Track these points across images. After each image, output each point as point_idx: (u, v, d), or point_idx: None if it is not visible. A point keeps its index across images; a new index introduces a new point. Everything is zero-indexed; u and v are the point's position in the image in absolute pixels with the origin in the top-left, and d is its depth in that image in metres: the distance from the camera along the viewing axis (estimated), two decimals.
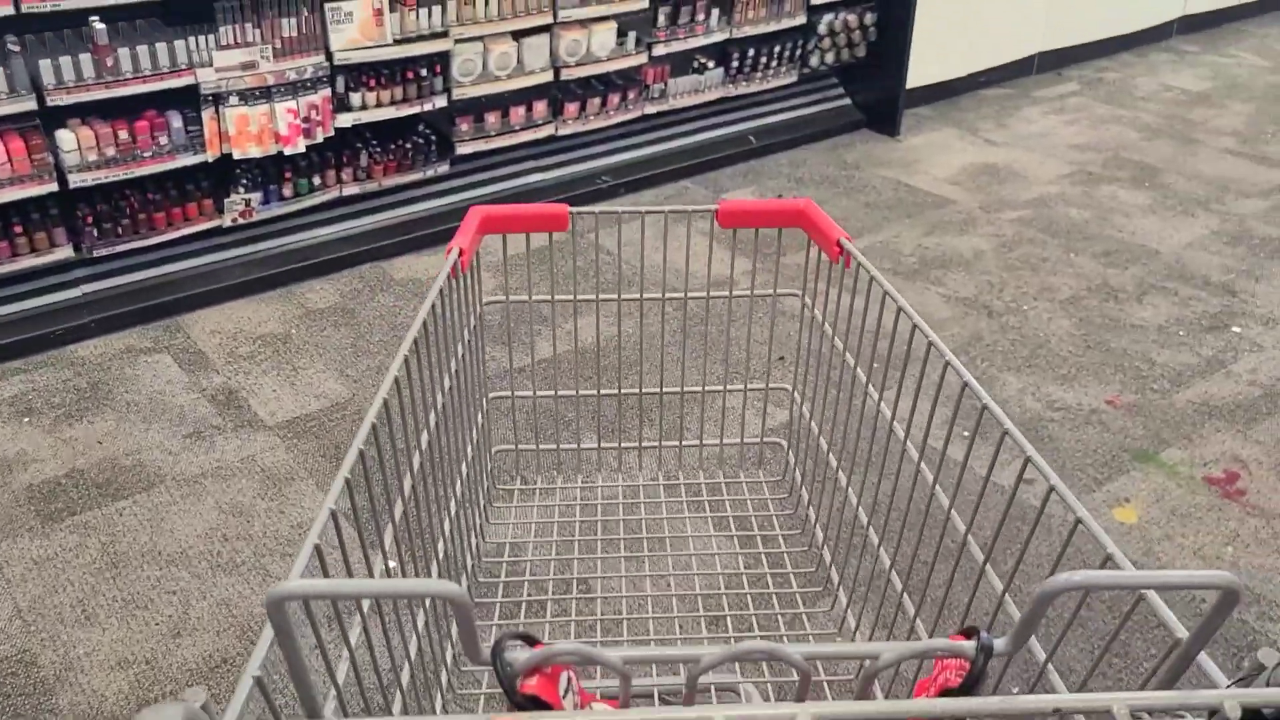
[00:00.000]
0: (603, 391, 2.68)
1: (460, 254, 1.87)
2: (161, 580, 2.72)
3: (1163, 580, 0.94)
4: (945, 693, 1.09)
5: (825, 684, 1.96)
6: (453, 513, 1.91)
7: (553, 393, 2.62)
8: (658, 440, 2.68)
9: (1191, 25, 6.94)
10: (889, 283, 1.92)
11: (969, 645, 1.03)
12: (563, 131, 4.58)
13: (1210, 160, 5.16)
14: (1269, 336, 3.73)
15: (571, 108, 4.56)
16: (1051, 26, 6.15)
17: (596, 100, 4.61)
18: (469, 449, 2.10)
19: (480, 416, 2.25)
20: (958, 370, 1.62)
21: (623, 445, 2.74)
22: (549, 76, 4.41)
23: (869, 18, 5.31)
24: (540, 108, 4.47)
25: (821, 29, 5.19)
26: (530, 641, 1.00)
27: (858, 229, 4.50)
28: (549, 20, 4.29)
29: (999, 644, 1.03)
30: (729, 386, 2.59)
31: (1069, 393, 3.45)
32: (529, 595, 2.23)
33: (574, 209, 2.08)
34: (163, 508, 2.97)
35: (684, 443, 2.62)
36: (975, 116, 5.71)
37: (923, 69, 5.50)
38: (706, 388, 2.65)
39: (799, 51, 5.20)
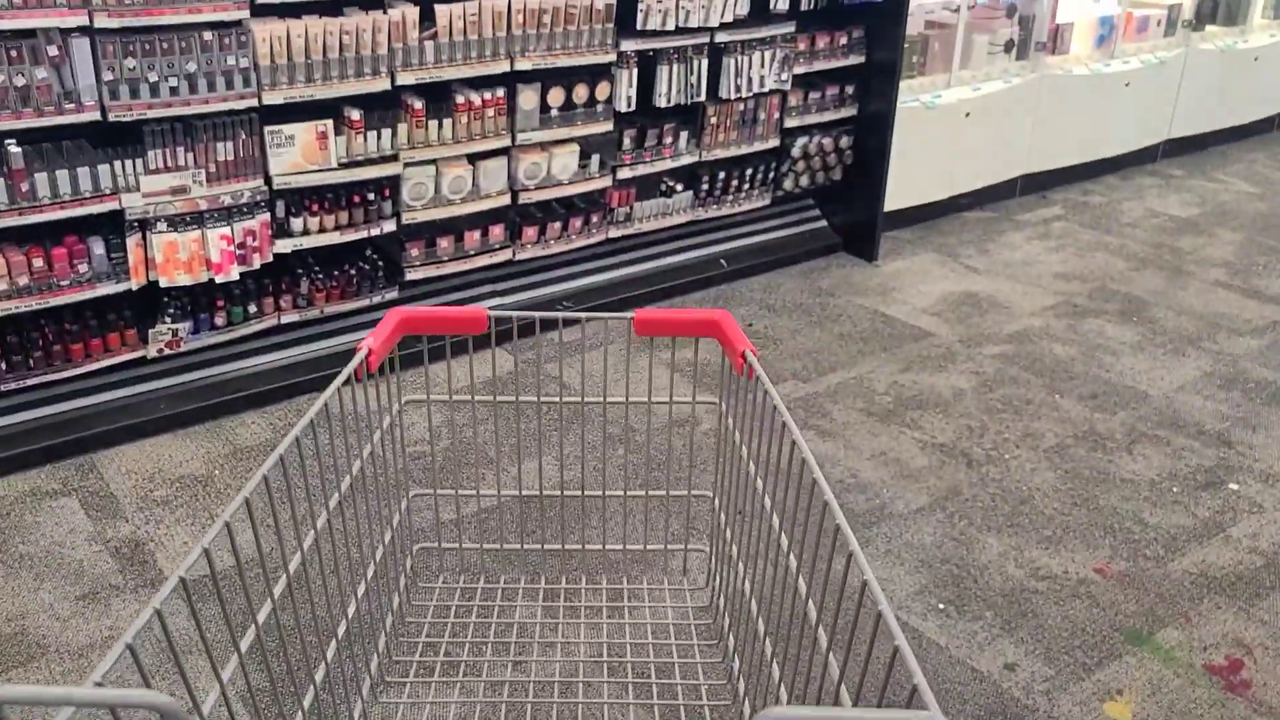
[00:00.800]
0: (525, 493, 2.61)
1: (370, 354, 1.91)
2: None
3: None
4: None
5: None
6: (357, 602, 1.90)
7: (474, 492, 2.53)
8: (580, 544, 2.52)
9: (1177, 149, 6.84)
10: (787, 411, 1.91)
11: None
12: (521, 256, 4.37)
13: (1200, 293, 4.95)
14: (1269, 496, 3.45)
15: (530, 231, 4.35)
16: (1035, 149, 6.02)
17: (557, 224, 4.41)
18: (379, 546, 2.06)
19: (397, 515, 2.20)
20: (834, 513, 1.64)
21: (545, 547, 2.61)
22: (506, 200, 4.21)
23: (845, 140, 5.16)
24: (497, 231, 4.26)
25: (795, 152, 5.03)
26: None
27: (831, 363, 4.26)
28: (507, 143, 4.10)
29: None
30: (651, 492, 2.58)
31: (1055, 559, 3.15)
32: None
33: (492, 312, 2.12)
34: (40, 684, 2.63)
35: (607, 546, 2.59)
36: (956, 241, 5.53)
37: (902, 191, 5.33)
38: (629, 493, 2.57)
39: (772, 174, 5.03)
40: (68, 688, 0.89)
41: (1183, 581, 3.07)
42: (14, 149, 3.21)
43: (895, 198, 5.27)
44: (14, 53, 3.11)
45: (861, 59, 5.01)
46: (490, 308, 4.29)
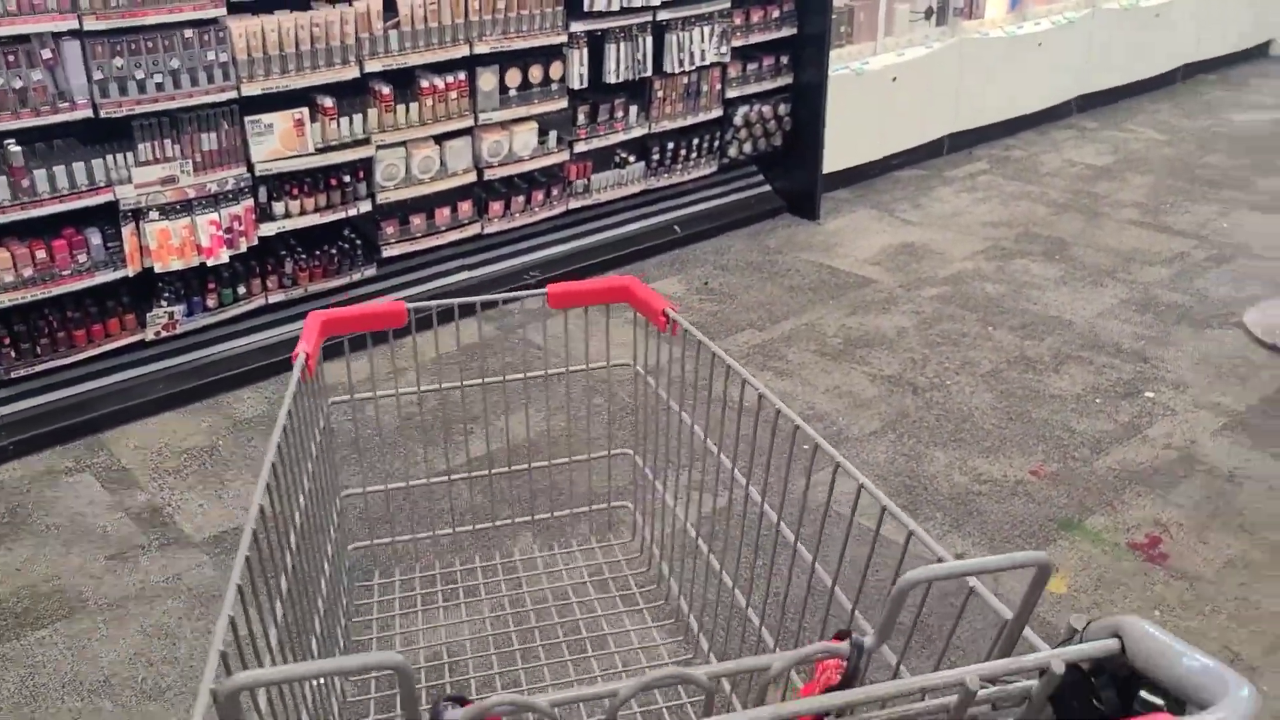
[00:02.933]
0: (453, 477, 2.72)
1: (307, 358, 1.96)
2: (83, 712, 2.63)
3: (983, 565, 1.12)
4: (829, 689, 1.23)
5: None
6: (321, 610, 1.94)
7: (405, 484, 2.63)
8: (510, 518, 2.70)
9: (1089, 103, 7.28)
10: (728, 354, 2.05)
11: (844, 645, 1.21)
12: (489, 230, 4.64)
13: (1115, 232, 5.37)
14: (1180, 400, 3.85)
15: (496, 206, 4.62)
16: (959, 110, 6.41)
17: (520, 198, 4.69)
18: (329, 547, 2.12)
19: (335, 514, 2.27)
20: (789, 416, 1.84)
21: (475, 527, 2.72)
22: (473, 177, 4.48)
23: (783, 108, 5.50)
24: (465, 207, 4.53)
25: (738, 120, 5.35)
26: (461, 701, 1.08)
27: (784, 312, 4.59)
28: (470, 123, 4.37)
29: (868, 641, 1.21)
30: (574, 458, 2.68)
31: (994, 465, 3.52)
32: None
33: (411, 305, 2.22)
34: (84, 635, 2.88)
35: (536, 516, 2.73)
36: (891, 198, 5.90)
37: (839, 154, 5.68)
38: (553, 461, 2.69)
39: (717, 143, 5.35)
40: (307, 663, 0.97)
41: (1107, 477, 3.45)
42: (14, 148, 3.42)
43: (833, 160, 5.61)
44: (11, 57, 3.32)
45: (794, 30, 5.35)
46: (463, 281, 4.58)
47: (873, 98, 5.80)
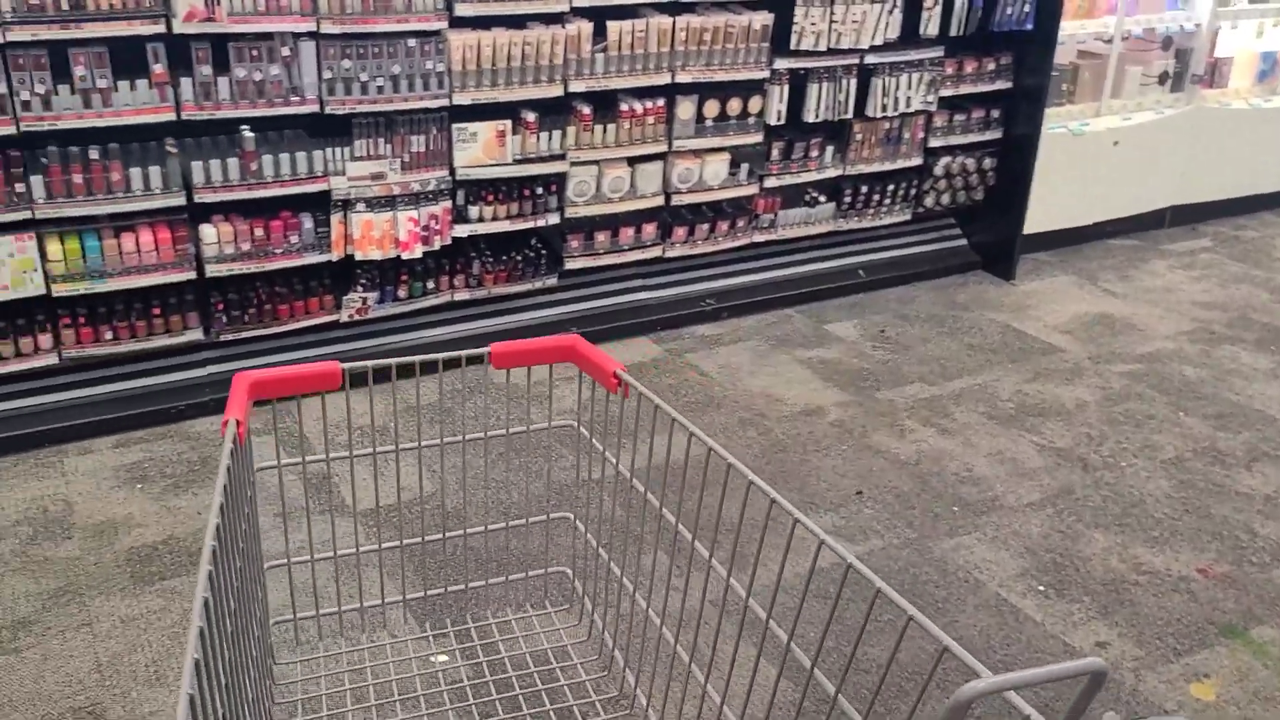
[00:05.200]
0: (384, 545, 2.55)
1: (238, 425, 1.84)
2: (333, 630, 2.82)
3: (1046, 675, 1.06)
4: None
5: None
6: (250, 689, 1.81)
7: (332, 554, 2.44)
8: (443, 587, 2.57)
9: None
10: (689, 422, 1.90)
11: None
12: (670, 254, 4.74)
13: None
14: None
15: (680, 231, 4.72)
16: (1187, 181, 6.04)
17: (705, 226, 4.76)
18: (254, 622, 1.96)
19: (260, 587, 2.14)
20: (761, 489, 1.67)
21: (407, 598, 2.54)
22: (660, 201, 4.59)
23: (988, 162, 5.35)
24: (649, 229, 4.65)
25: (938, 170, 5.25)
26: None
27: (958, 370, 4.46)
28: (663, 149, 4.49)
29: None
30: (511, 523, 2.57)
31: (1159, 557, 3.29)
32: None
33: (346, 366, 2.07)
34: (348, 567, 3.07)
35: (470, 584, 2.59)
36: (1097, 266, 5.62)
37: (1044, 215, 5.47)
38: (489, 527, 2.56)
39: (914, 191, 5.26)
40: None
41: None
42: (248, 134, 3.77)
43: (1037, 220, 5.41)
44: (255, 52, 3.67)
45: (1009, 84, 5.20)
46: (640, 300, 4.70)
47: (1089, 160, 5.56)
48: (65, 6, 3.39)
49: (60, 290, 3.66)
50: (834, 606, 1.64)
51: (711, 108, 4.51)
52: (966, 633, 2.97)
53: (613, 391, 2.09)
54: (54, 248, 3.62)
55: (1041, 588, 3.17)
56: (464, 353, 2.20)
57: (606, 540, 2.38)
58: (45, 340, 3.72)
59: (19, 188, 3.51)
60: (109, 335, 3.80)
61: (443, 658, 2.61)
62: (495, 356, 2.19)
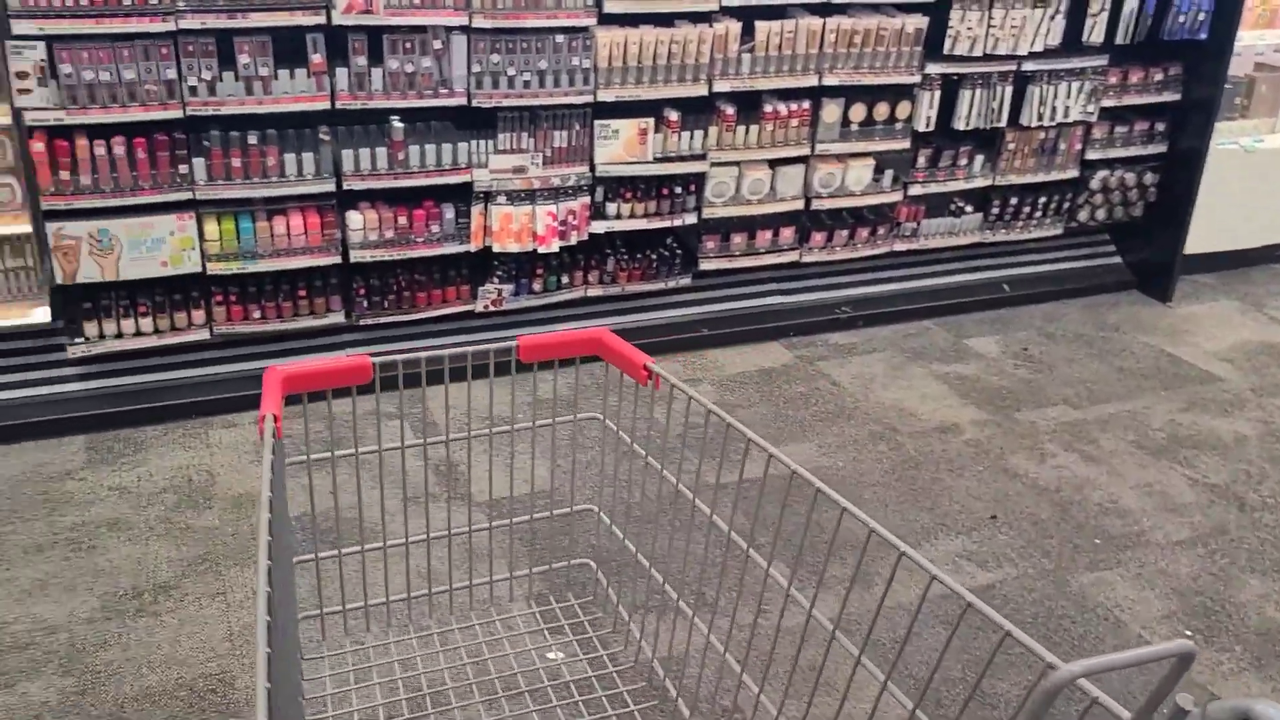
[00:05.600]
0: (411, 539, 2.53)
1: (275, 420, 1.85)
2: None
3: (1138, 657, 1.05)
4: None
5: None
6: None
7: (359, 548, 2.44)
8: (468, 580, 2.54)
9: None
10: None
11: None
12: (807, 259, 4.65)
13: None
14: None
15: (819, 237, 4.62)
16: None
17: (845, 232, 4.65)
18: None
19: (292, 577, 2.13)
20: (805, 477, 1.59)
21: (433, 592, 2.52)
22: (800, 205, 4.51)
23: (1149, 177, 5.07)
24: (787, 233, 4.57)
25: (1094, 184, 5.00)
26: None
27: (1106, 394, 4.24)
28: (806, 152, 4.40)
29: None
30: (535, 515, 2.53)
31: None
32: None
33: (376, 359, 2.09)
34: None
35: (494, 578, 2.58)
36: (1265, 291, 5.28)
37: (1207, 235, 5.16)
38: (514, 519, 2.54)
39: (1067, 205, 5.03)
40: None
41: None
42: (397, 124, 3.86)
43: (1199, 240, 5.11)
44: (408, 44, 3.74)
45: (1177, 96, 4.92)
46: (773, 304, 4.63)
47: (1262, 179, 5.22)
48: None
49: (215, 269, 3.81)
50: (948, 640, 1.56)
51: (858, 111, 4.40)
52: (1104, 676, 2.81)
53: (642, 384, 2.08)
54: (211, 228, 3.77)
55: (1189, 632, 2.98)
56: (491, 346, 2.24)
57: (633, 533, 2.36)
58: (199, 316, 3.88)
59: (182, 169, 3.66)
60: (257, 314, 3.94)
61: (558, 654, 2.62)
62: (523, 350, 2.24)
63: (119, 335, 3.79)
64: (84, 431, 3.77)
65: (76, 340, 3.74)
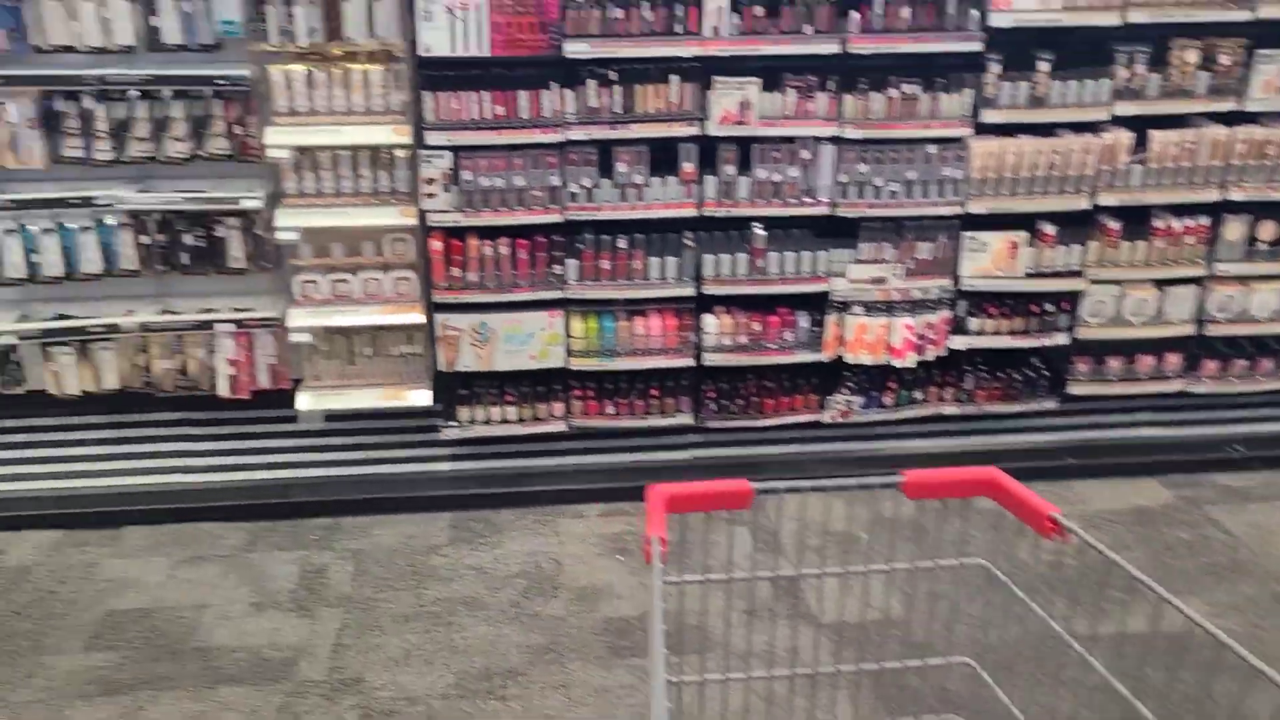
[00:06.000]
0: (774, 674, 2.61)
1: (661, 544, 1.90)
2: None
3: None
4: None
5: None
6: None
7: (723, 677, 2.48)
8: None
9: None
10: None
11: None
12: (1195, 389, 4.17)
13: None
14: None
15: (1212, 365, 4.14)
16: None
17: (1244, 362, 4.14)
18: None
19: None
20: (1215, 635, 1.51)
21: None
22: (1190, 329, 4.07)
23: None
24: (1174, 360, 4.13)
25: None
26: None
27: None
28: (1201, 272, 3.98)
29: None
30: (907, 663, 2.46)
31: None
32: None
33: (758, 485, 2.08)
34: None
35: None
36: None
37: None
38: (884, 664, 2.48)
39: None
40: None
41: None
42: (760, 231, 3.88)
43: None
44: (776, 154, 3.78)
45: None
46: (1150, 437, 4.19)
47: None
48: (618, 110, 3.71)
49: (576, 364, 3.98)
50: None
51: (1268, 230, 3.93)
52: None
53: (1047, 537, 2.00)
54: (577, 325, 3.95)
55: None
56: (875, 480, 2.16)
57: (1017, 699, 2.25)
58: (558, 408, 4.05)
59: (556, 269, 3.87)
60: (611, 410, 4.06)
61: None
62: (909, 486, 2.14)
63: (487, 422, 4.02)
64: (450, 510, 4.02)
65: (450, 423, 4.02)
